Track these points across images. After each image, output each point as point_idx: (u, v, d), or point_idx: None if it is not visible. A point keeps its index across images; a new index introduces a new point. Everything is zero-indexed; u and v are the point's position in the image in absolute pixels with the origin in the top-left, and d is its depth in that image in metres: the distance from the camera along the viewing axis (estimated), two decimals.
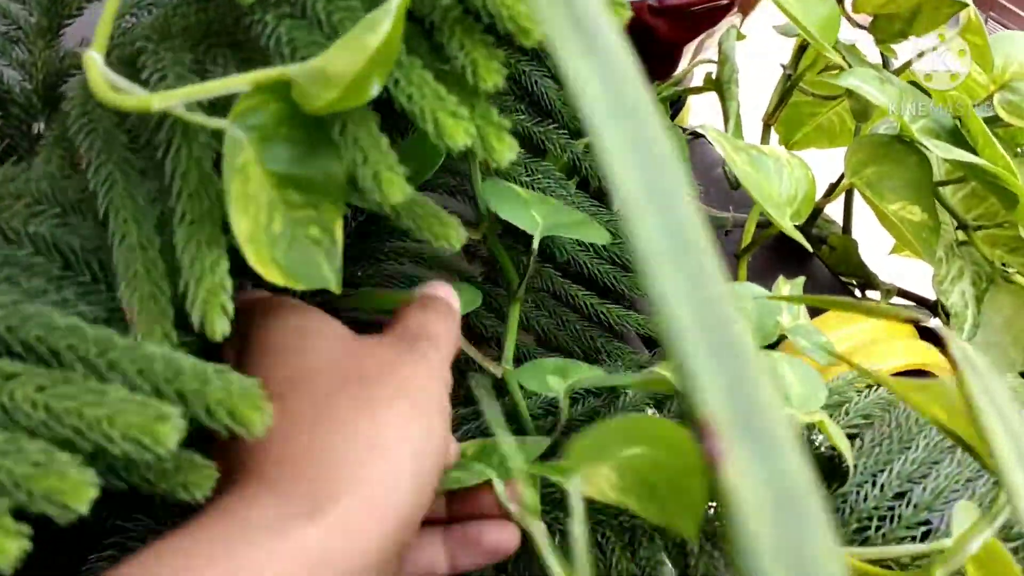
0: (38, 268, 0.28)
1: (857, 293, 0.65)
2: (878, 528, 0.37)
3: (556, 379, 0.42)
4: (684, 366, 0.12)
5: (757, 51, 0.76)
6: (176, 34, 0.32)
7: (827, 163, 0.68)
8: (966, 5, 0.54)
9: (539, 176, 0.54)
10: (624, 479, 0.30)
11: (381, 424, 0.27)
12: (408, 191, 0.23)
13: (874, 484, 0.39)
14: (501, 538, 0.33)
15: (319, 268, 0.25)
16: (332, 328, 0.31)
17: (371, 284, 0.54)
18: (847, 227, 0.64)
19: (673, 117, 0.70)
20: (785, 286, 0.50)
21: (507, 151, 0.25)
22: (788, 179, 0.49)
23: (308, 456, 0.26)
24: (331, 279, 0.25)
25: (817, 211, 0.62)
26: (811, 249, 0.48)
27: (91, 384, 0.22)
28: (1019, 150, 0.64)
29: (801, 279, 0.52)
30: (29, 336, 0.24)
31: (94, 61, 0.26)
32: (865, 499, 0.38)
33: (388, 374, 0.29)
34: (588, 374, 0.43)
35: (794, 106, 0.70)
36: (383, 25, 0.22)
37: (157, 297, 0.29)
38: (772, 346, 0.48)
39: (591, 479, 0.30)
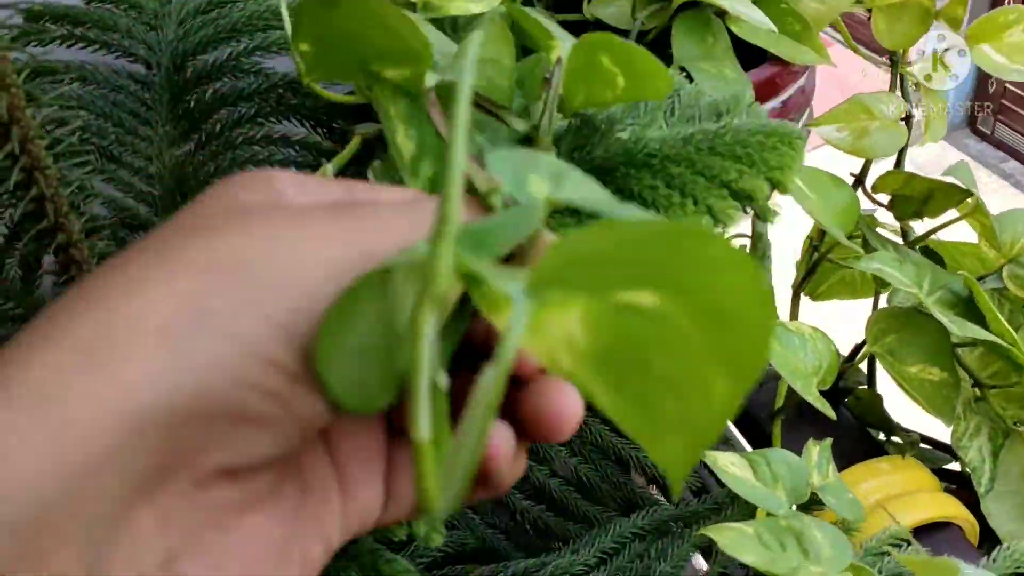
0: None
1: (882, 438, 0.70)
2: None
3: (541, 183, 0.25)
4: None
5: (790, 218, 0.83)
6: None
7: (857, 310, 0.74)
8: (972, 193, 0.61)
9: None
10: (597, 341, 0.18)
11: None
12: None
13: None
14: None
15: None
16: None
17: None
18: (871, 381, 0.69)
19: None
20: (815, 448, 0.56)
21: None
22: (812, 353, 0.56)
23: None
24: None
25: (847, 370, 0.68)
26: (833, 416, 0.54)
27: None
28: None
29: (828, 441, 0.58)
30: None
31: None
32: None
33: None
34: (588, 193, 0.26)
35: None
36: None
37: None
38: (805, 506, 0.54)
39: (544, 324, 0.18)
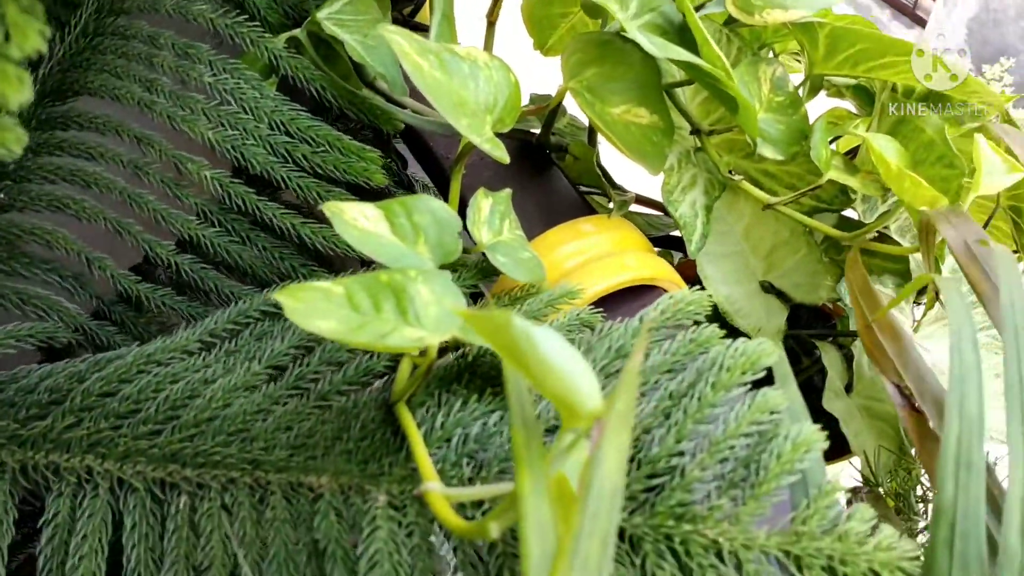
0: None
1: (601, 202, 0.62)
2: None
3: None
4: None
5: None
6: None
7: None
8: None
9: (226, 76, 0.48)
10: None
11: None
12: None
13: None
14: None
15: None
16: None
17: None
18: (592, 139, 0.60)
19: (412, 15, 0.64)
20: (485, 200, 0.46)
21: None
22: (485, 84, 0.45)
23: None
24: None
25: (552, 118, 0.58)
26: (506, 159, 0.44)
27: None
28: (761, 51, 0.61)
29: (507, 191, 0.48)
30: None
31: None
32: None
33: None
34: None
35: (545, 6, 0.65)
36: None
37: None
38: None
39: None
